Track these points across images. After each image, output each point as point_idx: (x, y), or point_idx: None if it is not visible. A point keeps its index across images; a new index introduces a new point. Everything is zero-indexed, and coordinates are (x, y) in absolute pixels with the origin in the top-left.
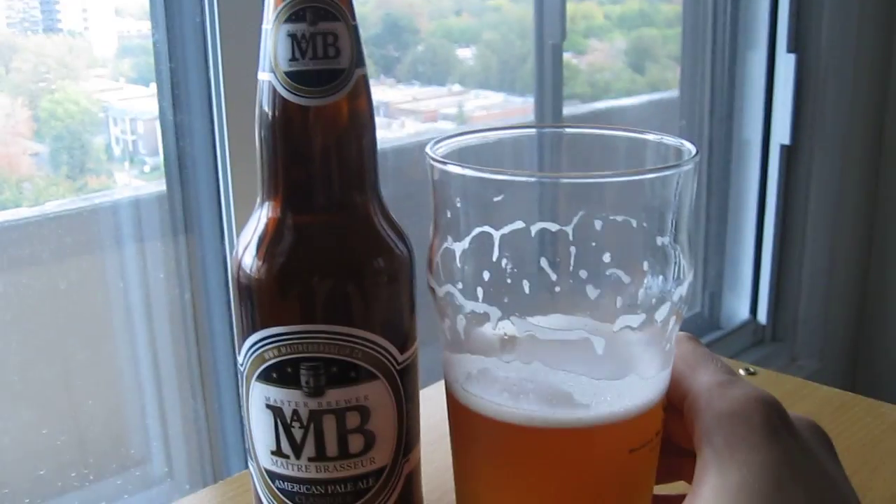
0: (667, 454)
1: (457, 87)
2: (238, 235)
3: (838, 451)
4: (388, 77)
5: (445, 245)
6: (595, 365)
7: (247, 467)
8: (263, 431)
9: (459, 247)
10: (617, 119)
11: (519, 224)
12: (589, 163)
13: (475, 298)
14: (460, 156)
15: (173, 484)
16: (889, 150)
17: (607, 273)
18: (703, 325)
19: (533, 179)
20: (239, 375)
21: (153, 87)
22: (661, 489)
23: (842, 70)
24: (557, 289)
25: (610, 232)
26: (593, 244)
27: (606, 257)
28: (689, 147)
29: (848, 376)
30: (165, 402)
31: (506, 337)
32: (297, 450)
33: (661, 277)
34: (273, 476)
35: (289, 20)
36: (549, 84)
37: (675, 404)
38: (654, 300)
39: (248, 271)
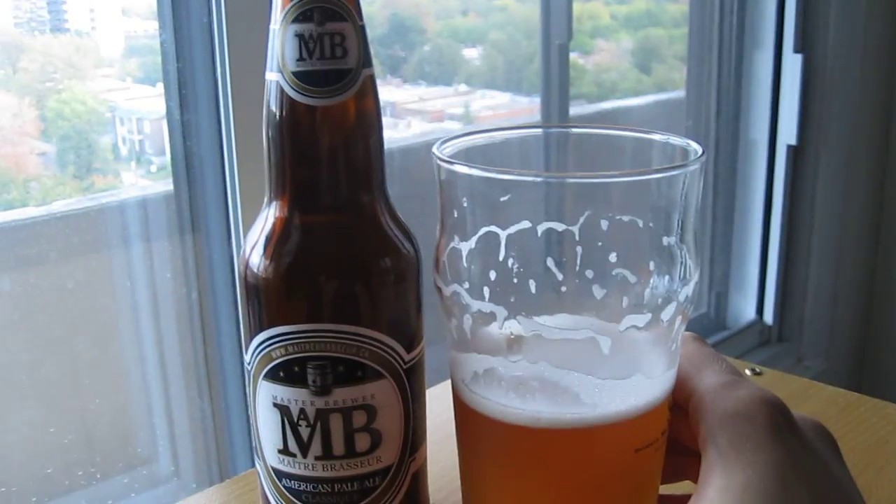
0: (673, 454)
1: (463, 87)
2: (245, 235)
3: (844, 451)
4: (395, 77)
5: (452, 245)
6: (601, 365)
7: (253, 466)
8: (270, 430)
9: (466, 246)
10: (623, 119)
11: (525, 224)
12: (595, 163)
13: (482, 298)
14: (467, 156)
15: (180, 483)
16: None
17: (613, 273)
18: (709, 325)
19: (539, 179)
20: (246, 374)
21: (160, 86)
22: (666, 489)
23: (849, 70)
24: (564, 288)
25: (616, 232)
26: (599, 244)
27: (612, 257)
28: (695, 147)
29: (854, 377)
30: (172, 401)
31: (512, 336)
32: (304, 448)
33: (667, 277)
34: (280, 475)
35: (296, 20)
36: (556, 84)
37: (680, 404)
38: (660, 300)
39: (255, 270)
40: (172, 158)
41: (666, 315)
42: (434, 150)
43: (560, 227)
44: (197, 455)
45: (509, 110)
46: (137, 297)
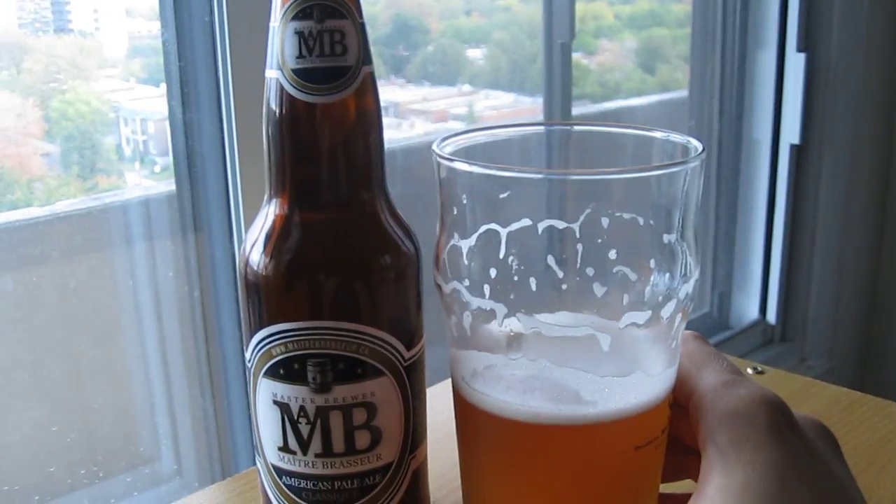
0: (674, 452)
1: (467, 88)
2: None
3: (846, 450)
4: (398, 77)
5: (452, 242)
6: (601, 362)
7: (255, 464)
8: (270, 427)
9: (466, 244)
10: (626, 119)
11: (526, 221)
12: (596, 160)
13: (481, 295)
14: (468, 154)
15: (182, 481)
16: None
17: (614, 270)
18: (712, 324)
19: (539, 176)
20: (246, 372)
21: (164, 87)
22: (668, 487)
23: (852, 69)
24: (564, 286)
25: (617, 229)
26: (599, 241)
27: (613, 254)
28: (695, 144)
29: (858, 376)
30: (174, 400)
31: (512, 334)
32: (304, 446)
33: (667, 275)
34: (280, 472)
35: (296, 18)
36: (558, 83)
37: (680, 403)
38: (660, 297)
39: (255, 268)
40: (174, 157)
41: (666, 312)
42: (434, 147)
43: (561, 224)
44: (199, 454)
45: (513, 110)
46: (140, 296)
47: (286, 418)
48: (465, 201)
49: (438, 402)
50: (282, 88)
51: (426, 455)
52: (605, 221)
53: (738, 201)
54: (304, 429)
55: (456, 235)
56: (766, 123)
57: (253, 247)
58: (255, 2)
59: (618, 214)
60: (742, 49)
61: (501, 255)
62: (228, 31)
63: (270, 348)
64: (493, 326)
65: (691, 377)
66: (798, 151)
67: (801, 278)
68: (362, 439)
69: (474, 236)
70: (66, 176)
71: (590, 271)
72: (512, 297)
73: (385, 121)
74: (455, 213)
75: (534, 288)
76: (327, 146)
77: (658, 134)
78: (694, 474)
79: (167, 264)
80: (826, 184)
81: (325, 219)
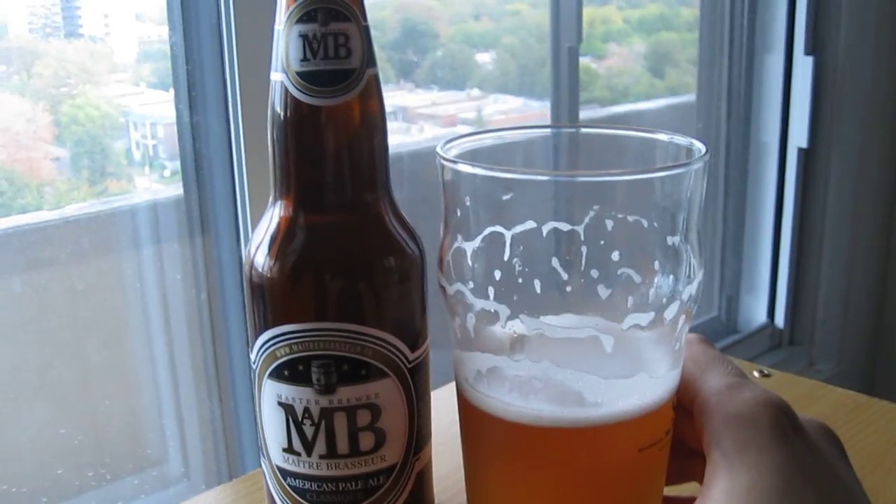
0: (679, 455)
1: (476, 92)
2: None
3: (851, 453)
4: (407, 81)
5: (456, 244)
6: (604, 363)
7: (261, 466)
8: (275, 429)
9: (470, 246)
10: (635, 123)
11: (531, 224)
12: (600, 163)
13: (486, 297)
14: (472, 157)
15: (190, 484)
16: None
17: (618, 272)
18: (720, 328)
19: (543, 178)
20: (251, 373)
21: (173, 91)
22: (672, 490)
23: (860, 72)
24: (569, 288)
25: (621, 231)
26: (602, 243)
27: (617, 256)
28: (699, 146)
29: (866, 380)
30: (182, 402)
31: (515, 336)
32: (309, 447)
33: (671, 276)
34: (285, 473)
35: (300, 21)
36: (566, 86)
37: (685, 406)
38: (664, 299)
39: (260, 269)
40: (182, 160)
41: (669, 314)
42: (438, 149)
43: (565, 226)
44: (207, 456)
45: (522, 114)
46: (147, 298)
47: (291, 419)
48: (468, 203)
49: (444, 405)
50: (286, 91)
51: (431, 457)
52: (609, 224)
53: (745, 204)
54: (309, 430)
55: (460, 237)
56: (774, 126)
57: (258, 248)
58: (262, 5)
59: (622, 216)
60: (750, 52)
61: (506, 258)
62: (236, 34)
63: (275, 350)
64: (497, 328)
65: (696, 380)
66: (806, 154)
67: (809, 282)
68: (366, 441)
69: (479, 238)
70: (76, 180)
71: (594, 273)
72: (516, 298)
73: (394, 125)
74: (459, 215)
75: (538, 290)
76: (332, 148)
77: (662, 136)
78: (699, 477)
79: (175, 267)
80: (834, 187)
81: (330, 221)
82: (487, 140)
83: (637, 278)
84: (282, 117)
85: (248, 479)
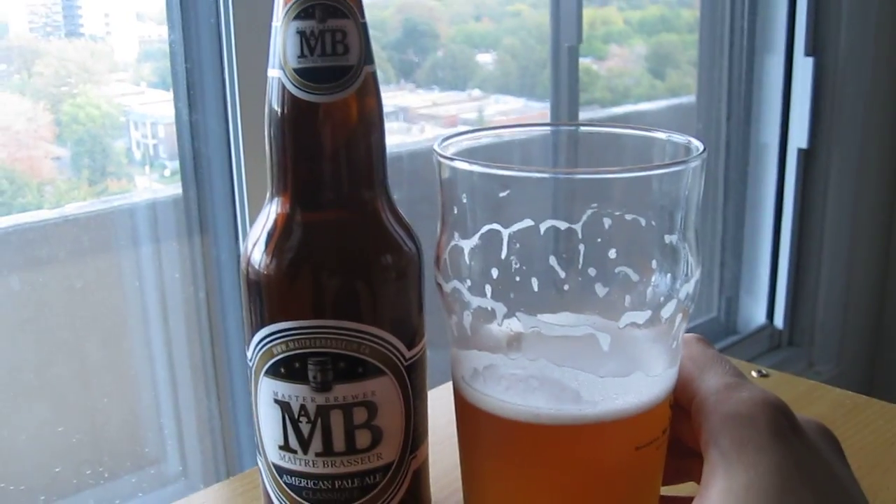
0: (676, 455)
1: (476, 92)
2: None
3: (849, 453)
4: (408, 82)
5: (453, 242)
6: (601, 362)
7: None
8: (271, 426)
9: (468, 244)
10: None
11: (528, 222)
12: (598, 161)
13: (483, 295)
14: (471, 155)
15: (188, 482)
16: None
17: (616, 271)
18: (719, 329)
19: (540, 175)
20: (248, 370)
21: (173, 90)
22: (670, 490)
23: (860, 73)
24: (566, 287)
25: (618, 229)
26: (600, 241)
27: (615, 255)
28: (696, 144)
29: (866, 381)
30: (180, 401)
31: (512, 333)
32: (305, 445)
33: (668, 275)
34: (281, 471)
35: (298, 17)
36: (565, 86)
37: (683, 405)
38: (661, 298)
39: (256, 267)
40: (181, 159)
41: (666, 312)
42: (435, 147)
43: (563, 225)
44: (205, 455)
45: (522, 115)
46: (146, 297)
47: (287, 417)
48: (465, 201)
49: (441, 404)
50: (284, 88)
51: (427, 455)
52: (607, 222)
53: (745, 205)
54: (305, 428)
55: (457, 235)
56: (774, 127)
57: (254, 245)
58: (261, 4)
59: (619, 214)
60: (750, 53)
61: (503, 256)
62: (235, 33)
63: (271, 347)
64: (494, 326)
65: (694, 380)
66: (806, 155)
67: (808, 283)
68: (363, 439)
69: (476, 236)
70: (77, 179)
71: (591, 272)
72: (513, 296)
73: (395, 125)
74: (456, 212)
75: (535, 288)
76: (329, 145)
77: (659, 134)
78: (696, 477)
79: (173, 266)
80: (834, 187)
81: (327, 218)
82: (485, 138)
83: (634, 276)
84: (279, 114)
85: (245, 477)
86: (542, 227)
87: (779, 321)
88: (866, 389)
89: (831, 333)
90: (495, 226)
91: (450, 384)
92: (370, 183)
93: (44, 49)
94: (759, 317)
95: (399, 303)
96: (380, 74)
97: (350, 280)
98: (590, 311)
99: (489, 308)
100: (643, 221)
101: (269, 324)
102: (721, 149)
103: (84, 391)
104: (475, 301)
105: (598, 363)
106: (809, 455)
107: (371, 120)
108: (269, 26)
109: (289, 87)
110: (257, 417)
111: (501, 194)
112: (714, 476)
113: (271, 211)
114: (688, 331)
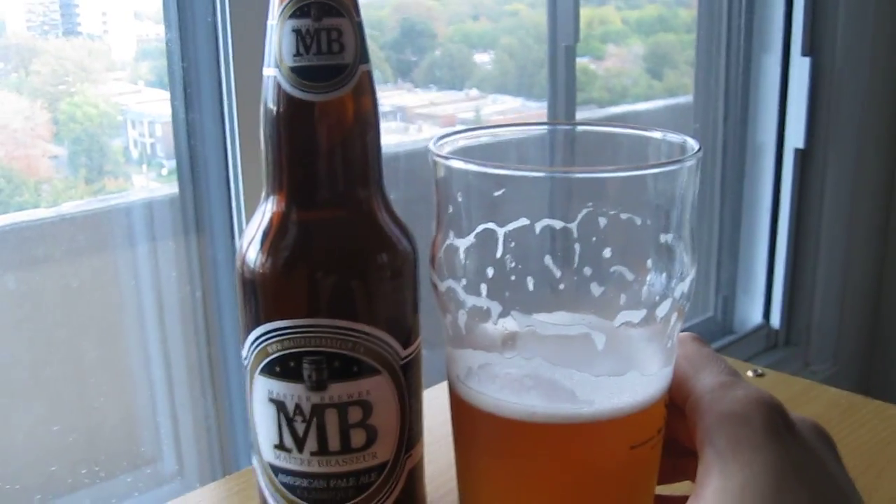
0: (672, 454)
1: (474, 92)
2: None
3: (844, 452)
4: (406, 81)
5: (448, 241)
6: (596, 361)
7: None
8: (266, 425)
9: (463, 243)
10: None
11: (524, 221)
12: (594, 160)
13: (478, 294)
14: (466, 154)
15: (184, 482)
16: None
17: (611, 270)
18: (715, 329)
19: (535, 174)
20: (243, 369)
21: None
22: (665, 489)
23: (857, 73)
24: (561, 286)
25: (614, 228)
26: (594, 239)
27: (610, 254)
28: (692, 143)
29: (862, 381)
30: (176, 401)
31: (507, 332)
32: (300, 444)
33: (664, 274)
34: (276, 470)
35: (294, 16)
36: (563, 86)
37: (678, 404)
38: (656, 297)
39: (251, 265)
40: (178, 158)
41: (661, 312)
42: (430, 146)
43: (558, 224)
44: (201, 454)
45: (520, 115)
46: (142, 296)
47: (282, 416)
48: (460, 200)
49: (437, 404)
50: (279, 86)
51: (423, 454)
52: (602, 221)
53: (742, 205)
54: (300, 427)
55: (452, 234)
56: (771, 127)
57: (250, 244)
58: (257, 2)
59: (615, 213)
60: (747, 53)
61: (498, 255)
62: (231, 32)
63: (266, 346)
64: (489, 325)
65: (689, 379)
66: (802, 155)
67: (805, 282)
68: (358, 438)
69: (471, 235)
70: (74, 178)
71: (587, 271)
72: (508, 295)
73: (392, 125)
74: (451, 211)
75: (530, 287)
76: (324, 144)
77: (655, 133)
78: (691, 476)
79: (170, 265)
80: (830, 188)
81: (322, 217)
82: (481, 137)
83: (630, 276)
84: (274, 112)
85: (241, 476)
86: (538, 227)
87: (775, 321)
88: (862, 389)
89: (827, 333)
90: (490, 225)
91: (445, 383)
92: (365, 182)
93: (41, 47)
94: (756, 316)
95: (394, 302)
96: (377, 74)
97: (345, 279)
98: (585, 310)
99: (484, 307)
100: (638, 220)
101: (264, 322)
102: (718, 148)
103: (80, 390)
104: (470, 300)
105: (593, 362)
106: (804, 454)
107: (366, 119)
108: (266, 26)
109: (284, 85)
110: (252, 416)
111: (496, 193)
112: (709, 475)
113: (266, 210)
114: (684, 330)
